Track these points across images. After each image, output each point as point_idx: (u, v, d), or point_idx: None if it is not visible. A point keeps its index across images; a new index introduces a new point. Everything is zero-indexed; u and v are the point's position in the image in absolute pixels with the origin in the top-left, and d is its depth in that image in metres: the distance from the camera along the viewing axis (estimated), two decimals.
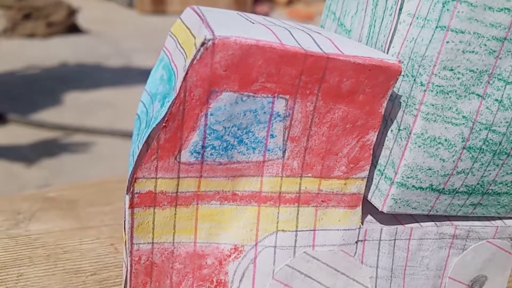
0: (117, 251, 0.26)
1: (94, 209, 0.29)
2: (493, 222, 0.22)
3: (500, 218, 0.22)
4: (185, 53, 0.16)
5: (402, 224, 0.20)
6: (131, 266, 0.17)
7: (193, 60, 0.15)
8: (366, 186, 0.19)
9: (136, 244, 0.17)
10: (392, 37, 0.19)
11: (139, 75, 1.39)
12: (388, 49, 0.19)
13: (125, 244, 0.17)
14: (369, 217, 0.20)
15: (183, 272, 0.18)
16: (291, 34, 0.17)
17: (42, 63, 1.52)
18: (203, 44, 0.15)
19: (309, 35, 0.18)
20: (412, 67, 0.18)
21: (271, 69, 0.16)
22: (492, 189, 0.20)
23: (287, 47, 0.16)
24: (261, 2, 2.85)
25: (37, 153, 0.99)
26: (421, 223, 0.20)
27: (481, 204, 0.20)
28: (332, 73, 0.16)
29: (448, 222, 0.21)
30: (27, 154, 0.98)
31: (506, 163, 0.19)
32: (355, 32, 0.22)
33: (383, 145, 0.19)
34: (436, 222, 0.21)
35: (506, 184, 0.20)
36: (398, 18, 0.19)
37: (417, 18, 0.18)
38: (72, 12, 1.84)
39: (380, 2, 0.20)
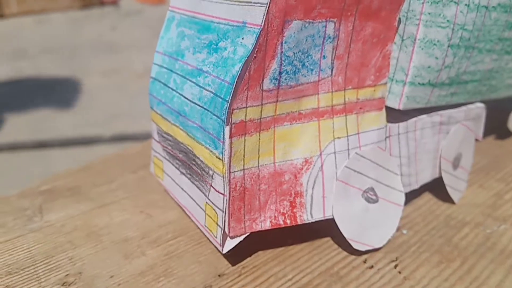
0: (150, 215, 0.26)
1: (100, 189, 0.29)
2: (462, 107, 0.28)
3: (464, 104, 0.28)
4: None
5: (411, 119, 0.25)
6: (229, 194, 0.19)
7: None
8: None
9: (233, 172, 0.19)
10: None
11: None
12: None
13: (223, 175, 0.19)
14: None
15: (267, 191, 0.20)
16: None
17: None
18: None
19: None
20: None
21: None
22: (462, 79, 0.26)
23: None
24: None
25: None
26: (419, 116, 0.25)
27: (455, 93, 0.26)
28: None
29: (434, 112, 0.26)
30: None
31: (472, 55, 0.25)
32: None
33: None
34: (427, 114, 0.26)
35: (471, 73, 0.26)
36: None
37: None
38: None
39: None
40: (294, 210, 0.21)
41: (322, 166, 0.21)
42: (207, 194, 0.20)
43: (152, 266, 0.22)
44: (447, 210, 0.27)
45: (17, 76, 1.54)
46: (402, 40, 0.23)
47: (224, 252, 0.20)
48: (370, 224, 0.23)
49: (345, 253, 0.23)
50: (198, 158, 0.20)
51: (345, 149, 0.22)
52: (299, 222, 0.21)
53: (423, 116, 0.25)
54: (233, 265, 0.22)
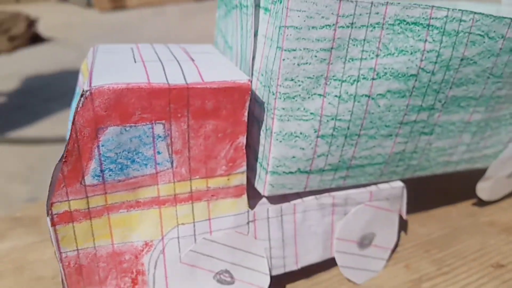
0: None
1: None
2: (368, 188, 0.26)
3: (375, 184, 0.27)
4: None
5: (288, 201, 0.25)
6: (63, 269, 0.21)
7: (76, 108, 0.19)
8: (252, 176, 0.24)
9: (64, 252, 0.21)
10: (254, 55, 0.23)
11: None
12: (253, 65, 0.23)
13: (55, 254, 0.21)
14: (264, 199, 0.25)
15: (107, 268, 0.22)
16: (164, 69, 0.21)
17: (10, 79, 1.53)
18: (82, 94, 0.19)
19: (180, 66, 0.22)
20: (267, 80, 0.22)
21: (143, 103, 0.20)
22: (354, 163, 0.24)
23: (153, 84, 0.20)
24: None
25: (20, 169, 1.03)
26: (304, 198, 0.25)
27: (349, 176, 0.25)
28: (194, 98, 0.20)
29: (327, 194, 0.25)
30: (10, 171, 1.02)
31: (359, 142, 0.24)
32: (234, 48, 0.26)
33: (259, 143, 0.23)
34: (316, 196, 0.25)
35: (366, 158, 0.24)
36: (255, 39, 0.23)
37: (267, 39, 0.22)
38: (31, 22, 1.84)
39: (243, 26, 0.24)
40: (136, 287, 0.23)
41: (163, 249, 0.22)
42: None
43: None
44: None
45: None
46: (266, 130, 0.23)
47: None
48: None
49: None
50: None
51: (191, 235, 0.23)
52: None
53: (309, 198, 0.25)
54: None
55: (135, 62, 0.22)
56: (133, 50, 0.25)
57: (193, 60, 0.23)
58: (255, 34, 0.23)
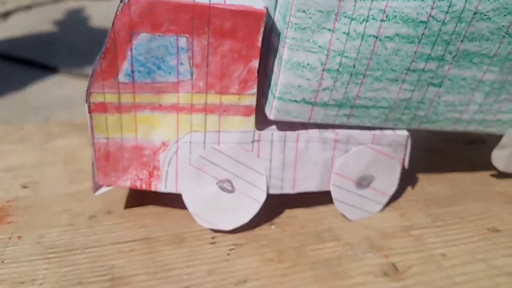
0: None
1: None
2: (372, 131, 0.28)
3: (381, 128, 0.28)
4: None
5: (293, 130, 0.27)
6: (94, 153, 0.26)
7: (116, 12, 0.23)
8: (265, 102, 0.27)
9: (96, 138, 0.26)
10: None
11: None
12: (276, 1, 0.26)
13: (90, 139, 0.26)
14: (273, 126, 0.27)
15: (130, 159, 0.26)
16: None
17: (105, 22, 1.65)
18: (122, 1, 0.22)
19: None
20: (283, 10, 0.24)
21: (171, 15, 0.23)
22: (359, 103, 0.26)
23: (180, 0, 0.23)
24: None
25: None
26: (309, 130, 0.27)
27: (353, 115, 0.27)
28: (215, 18, 0.23)
29: (331, 129, 0.27)
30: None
31: (365, 82, 0.25)
32: None
33: (273, 71, 0.26)
34: (321, 129, 0.27)
35: (370, 99, 0.26)
36: None
37: None
38: None
39: None
40: (151, 179, 0.27)
41: (177, 150, 0.26)
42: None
43: None
44: (332, 224, 0.29)
45: None
46: (278, 58, 0.25)
47: (94, 193, 0.27)
48: (221, 209, 0.27)
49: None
50: None
51: (201, 142, 0.26)
52: (153, 189, 0.27)
53: (314, 131, 0.27)
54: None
55: None
56: None
57: None
58: None
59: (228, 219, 0.27)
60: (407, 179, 0.34)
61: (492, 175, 0.35)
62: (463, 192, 0.32)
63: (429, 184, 0.33)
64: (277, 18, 0.25)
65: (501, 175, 0.35)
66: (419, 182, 0.33)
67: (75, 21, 1.56)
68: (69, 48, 1.28)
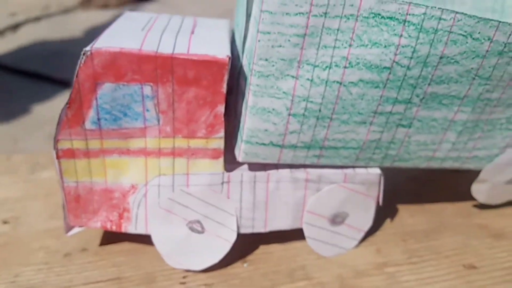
0: None
1: None
2: (344, 170, 0.28)
3: (353, 167, 0.28)
4: None
5: (265, 170, 0.27)
6: (65, 196, 0.26)
7: (79, 63, 0.23)
8: (235, 144, 0.27)
9: (66, 182, 0.26)
10: (246, 34, 0.25)
11: None
12: (244, 44, 0.26)
13: (59, 183, 0.26)
14: (244, 165, 0.28)
15: (100, 201, 0.27)
16: (160, 39, 0.25)
17: None
18: (84, 53, 0.23)
19: (176, 38, 0.25)
20: (249, 56, 0.24)
21: (134, 66, 0.23)
22: (328, 144, 0.26)
23: (143, 51, 0.23)
24: None
25: None
26: (279, 170, 0.27)
27: (323, 155, 0.27)
28: (177, 67, 0.23)
29: (302, 169, 0.27)
30: None
31: (332, 125, 0.25)
32: (239, 26, 0.28)
33: (241, 114, 0.26)
34: (292, 169, 0.27)
35: (339, 141, 0.26)
36: (248, 20, 0.25)
37: (254, 20, 0.24)
38: None
39: (242, 8, 0.26)
40: (121, 221, 0.27)
41: (146, 193, 0.26)
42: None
43: None
44: (306, 261, 0.29)
45: None
46: (245, 103, 0.25)
47: (66, 234, 0.28)
48: (191, 250, 0.27)
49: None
50: None
51: (170, 185, 0.26)
52: (123, 231, 0.27)
53: (284, 170, 0.27)
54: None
55: (142, 30, 0.26)
56: (150, 19, 0.29)
57: (193, 33, 0.26)
58: (249, 15, 0.25)
59: (198, 260, 0.27)
60: (387, 210, 0.34)
61: (475, 205, 0.34)
62: (442, 224, 0.32)
63: (408, 215, 0.33)
64: (244, 62, 0.25)
65: (483, 205, 0.34)
66: (399, 213, 0.33)
67: (85, 32, 1.57)
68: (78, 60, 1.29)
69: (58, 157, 0.25)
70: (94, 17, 1.80)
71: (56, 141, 0.25)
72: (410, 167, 0.33)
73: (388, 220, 0.32)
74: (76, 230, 0.28)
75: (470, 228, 0.32)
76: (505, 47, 0.24)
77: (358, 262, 0.29)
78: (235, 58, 0.27)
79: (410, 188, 0.37)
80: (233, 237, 0.27)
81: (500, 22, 0.23)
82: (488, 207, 0.34)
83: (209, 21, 0.30)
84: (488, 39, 0.23)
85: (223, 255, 0.27)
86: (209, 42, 0.25)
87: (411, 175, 0.38)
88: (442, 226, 0.32)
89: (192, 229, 0.27)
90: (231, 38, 0.31)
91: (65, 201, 0.26)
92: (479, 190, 0.31)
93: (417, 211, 0.34)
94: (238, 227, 0.28)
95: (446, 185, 0.37)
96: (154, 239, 0.27)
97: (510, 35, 0.23)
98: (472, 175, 0.38)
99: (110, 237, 0.31)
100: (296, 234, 0.31)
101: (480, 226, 0.32)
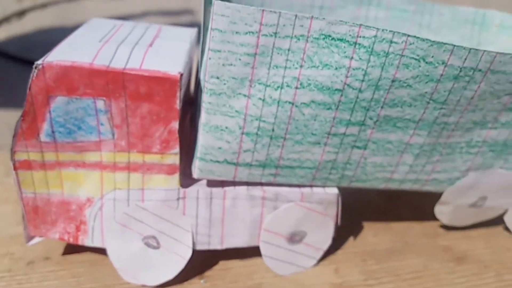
0: None
1: None
2: (301, 188, 0.28)
3: (311, 186, 0.28)
4: None
5: (222, 187, 0.27)
6: (23, 207, 0.26)
7: (32, 76, 0.23)
8: (192, 159, 0.27)
9: (24, 193, 0.26)
10: (203, 49, 0.26)
11: None
12: (202, 59, 0.26)
13: (18, 194, 0.26)
14: (203, 181, 0.28)
15: (57, 213, 0.27)
16: (115, 51, 0.25)
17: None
18: (36, 67, 0.23)
19: (132, 51, 0.25)
20: (203, 73, 0.24)
21: (85, 80, 0.23)
22: (283, 163, 0.26)
23: (94, 65, 0.23)
24: None
25: None
26: (236, 187, 0.27)
27: (279, 174, 0.27)
28: (129, 83, 0.23)
29: (259, 186, 0.27)
30: None
31: (286, 145, 0.25)
32: (202, 40, 0.28)
33: (198, 131, 0.26)
34: (249, 187, 0.27)
35: (294, 160, 0.26)
36: (205, 34, 0.25)
37: (208, 35, 0.24)
38: None
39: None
40: (78, 233, 0.27)
41: (101, 206, 0.26)
42: None
43: None
44: (263, 279, 0.28)
45: None
46: (200, 119, 0.25)
47: (27, 244, 0.28)
48: (146, 265, 0.27)
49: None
50: None
51: (125, 199, 0.26)
52: (80, 243, 0.27)
53: (241, 188, 0.27)
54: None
55: (99, 41, 0.26)
56: (113, 28, 0.29)
57: (151, 45, 0.26)
58: (207, 28, 0.25)
59: (153, 275, 0.27)
60: (350, 227, 0.33)
61: (441, 226, 0.34)
62: (406, 244, 0.32)
63: (372, 234, 0.33)
64: (202, 77, 0.26)
65: (449, 226, 0.34)
66: (363, 231, 0.33)
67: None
68: None
69: (15, 168, 0.25)
70: (101, 6, 1.81)
71: (13, 152, 0.25)
72: (369, 188, 0.33)
73: (351, 238, 0.32)
74: (36, 240, 0.28)
75: (433, 250, 0.31)
76: (460, 71, 0.24)
77: (314, 282, 0.28)
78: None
79: (379, 204, 0.36)
80: (188, 254, 0.27)
81: (454, 46, 0.23)
82: (454, 228, 0.34)
83: (174, 30, 0.30)
84: (443, 63, 0.23)
85: (178, 271, 0.27)
86: (164, 56, 0.25)
87: (381, 192, 0.38)
88: (405, 246, 0.32)
89: (147, 244, 0.27)
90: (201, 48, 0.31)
91: (24, 211, 0.27)
92: (441, 211, 0.31)
93: (382, 229, 0.33)
94: (193, 244, 0.28)
95: (415, 203, 0.37)
96: (109, 253, 0.27)
97: (465, 59, 0.23)
98: (440, 194, 0.38)
99: (73, 246, 0.31)
100: (257, 250, 0.31)
101: (444, 248, 0.32)
